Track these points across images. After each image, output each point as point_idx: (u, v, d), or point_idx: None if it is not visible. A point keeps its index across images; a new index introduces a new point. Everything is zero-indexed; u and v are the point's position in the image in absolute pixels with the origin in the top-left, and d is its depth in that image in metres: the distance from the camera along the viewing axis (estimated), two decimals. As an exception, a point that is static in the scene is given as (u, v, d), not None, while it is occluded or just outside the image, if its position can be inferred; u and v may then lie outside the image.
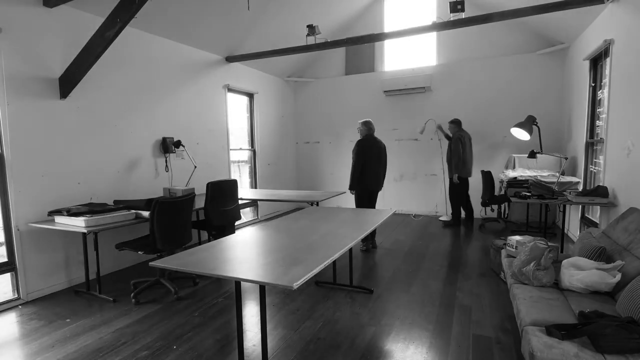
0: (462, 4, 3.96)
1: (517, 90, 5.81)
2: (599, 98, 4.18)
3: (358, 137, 4.32)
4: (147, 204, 3.46)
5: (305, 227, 2.62)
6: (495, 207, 5.80)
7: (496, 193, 5.55)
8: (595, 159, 4.24)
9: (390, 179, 6.73)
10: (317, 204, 4.15)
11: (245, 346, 2.38)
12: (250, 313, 2.88)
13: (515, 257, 2.75)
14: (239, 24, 4.96)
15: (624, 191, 3.23)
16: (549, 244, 2.83)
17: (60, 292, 3.37)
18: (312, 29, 4.73)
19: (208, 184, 3.73)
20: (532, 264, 2.40)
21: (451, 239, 4.91)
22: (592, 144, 4.32)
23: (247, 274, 1.69)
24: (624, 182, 3.26)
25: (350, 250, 3.47)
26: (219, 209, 3.84)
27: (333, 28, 6.31)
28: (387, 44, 6.73)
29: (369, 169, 4.27)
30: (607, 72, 3.74)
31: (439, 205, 6.48)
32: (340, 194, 4.63)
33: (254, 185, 6.42)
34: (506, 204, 5.56)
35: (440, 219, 6.17)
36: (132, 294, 3.16)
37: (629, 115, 3.18)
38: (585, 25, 4.43)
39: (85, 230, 2.92)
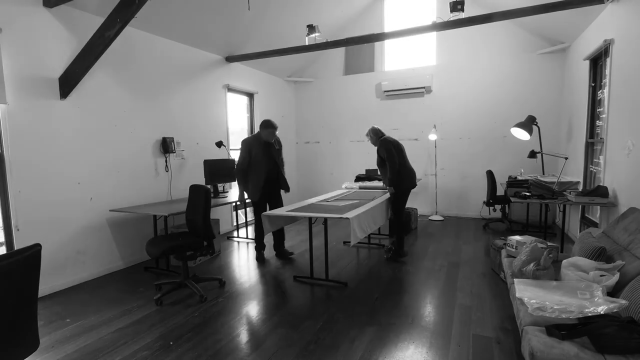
0: (462, 3, 3.96)
1: (517, 90, 5.81)
2: (599, 98, 4.18)
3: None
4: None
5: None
6: (498, 207, 5.77)
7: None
8: (595, 159, 4.23)
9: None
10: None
11: (245, 346, 2.38)
12: (250, 313, 2.88)
13: (515, 257, 2.75)
14: (239, 24, 4.96)
15: (624, 191, 3.23)
16: (549, 244, 2.84)
17: (60, 292, 3.37)
18: (312, 29, 4.73)
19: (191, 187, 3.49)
20: (532, 264, 2.40)
21: (452, 239, 4.91)
22: (592, 144, 4.32)
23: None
24: (624, 182, 3.26)
25: (326, 245, 3.52)
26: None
27: (333, 28, 6.31)
28: (387, 44, 6.72)
29: (402, 167, 4.05)
30: (607, 72, 3.73)
31: (438, 205, 6.49)
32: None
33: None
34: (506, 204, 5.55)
35: (432, 218, 6.17)
36: (156, 297, 3.08)
37: (629, 115, 3.18)
38: (585, 25, 4.43)
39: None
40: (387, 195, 4.22)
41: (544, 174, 5.31)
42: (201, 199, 3.07)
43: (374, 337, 2.46)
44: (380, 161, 4.11)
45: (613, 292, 2.11)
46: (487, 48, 5.95)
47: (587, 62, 4.32)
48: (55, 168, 3.40)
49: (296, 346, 2.36)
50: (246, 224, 5.58)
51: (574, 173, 4.84)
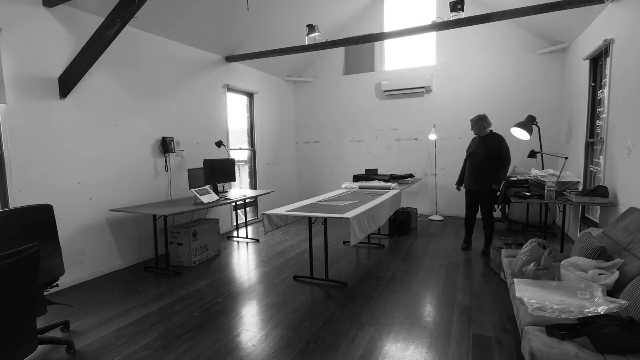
0: (462, 3, 3.96)
1: (517, 90, 5.81)
2: (599, 98, 4.18)
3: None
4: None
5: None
6: (498, 207, 5.75)
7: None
8: (596, 159, 4.23)
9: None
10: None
11: (245, 346, 2.38)
12: (250, 313, 2.88)
13: (515, 257, 2.75)
14: (239, 24, 4.96)
15: (624, 191, 3.23)
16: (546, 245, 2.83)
17: (60, 292, 3.37)
18: (312, 29, 4.73)
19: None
20: (532, 265, 2.40)
21: (452, 239, 4.91)
22: (592, 144, 4.32)
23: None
24: (624, 182, 3.25)
25: (326, 246, 3.51)
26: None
27: (333, 28, 6.31)
28: (387, 44, 6.72)
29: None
30: (607, 72, 3.73)
31: (438, 205, 6.48)
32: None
33: (254, 185, 6.42)
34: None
35: (433, 218, 6.17)
36: None
37: (629, 115, 3.18)
38: (585, 25, 4.43)
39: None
40: (388, 195, 4.21)
41: (543, 169, 5.28)
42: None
43: (374, 337, 2.46)
44: None
45: (613, 292, 2.11)
46: (487, 48, 5.95)
47: (588, 62, 4.31)
48: (55, 168, 3.40)
49: (296, 346, 2.36)
50: (246, 224, 5.57)
51: (574, 173, 4.84)
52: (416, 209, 5.72)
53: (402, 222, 5.16)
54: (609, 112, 3.64)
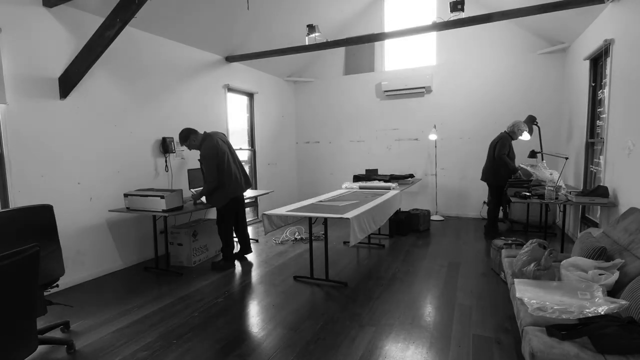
0: (462, 3, 3.95)
1: (517, 90, 5.81)
2: (599, 98, 4.18)
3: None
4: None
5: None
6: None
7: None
8: (596, 158, 4.23)
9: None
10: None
11: (245, 346, 2.38)
12: (250, 313, 2.88)
13: (515, 257, 2.75)
14: (239, 24, 4.96)
15: (624, 191, 3.23)
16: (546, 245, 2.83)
17: (60, 292, 3.37)
18: (312, 29, 4.72)
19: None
20: (532, 265, 2.40)
21: (452, 239, 4.91)
22: (593, 143, 4.32)
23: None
24: (624, 182, 3.25)
25: (326, 245, 3.51)
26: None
27: (333, 28, 6.30)
28: (387, 43, 6.72)
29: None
30: (607, 72, 3.73)
31: (438, 205, 6.48)
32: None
33: (254, 185, 6.42)
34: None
35: (433, 218, 6.17)
36: None
37: (629, 115, 3.18)
38: (585, 25, 4.43)
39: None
40: (388, 195, 4.21)
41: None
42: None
43: (374, 337, 2.46)
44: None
45: (613, 292, 2.11)
46: (487, 48, 5.94)
47: (588, 62, 4.31)
48: (55, 168, 3.40)
49: (296, 346, 2.36)
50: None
51: (574, 173, 4.84)
52: (428, 210, 5.64)
53: (403, 222, 5.17)
54: (609, 112, 3.64)
